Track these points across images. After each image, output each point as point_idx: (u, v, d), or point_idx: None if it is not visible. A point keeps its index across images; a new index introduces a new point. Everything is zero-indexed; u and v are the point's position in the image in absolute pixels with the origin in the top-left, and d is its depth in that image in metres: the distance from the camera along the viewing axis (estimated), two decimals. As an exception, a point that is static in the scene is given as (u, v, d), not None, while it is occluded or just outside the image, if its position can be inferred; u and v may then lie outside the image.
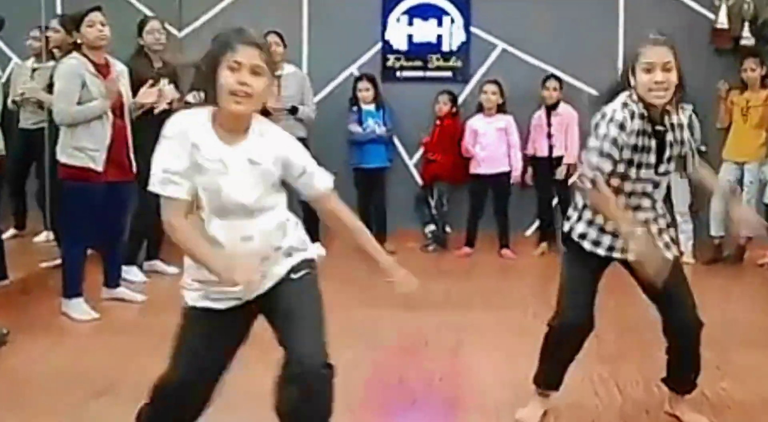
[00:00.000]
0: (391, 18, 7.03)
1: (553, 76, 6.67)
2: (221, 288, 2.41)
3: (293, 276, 2.50)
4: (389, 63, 7.07)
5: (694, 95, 6.36)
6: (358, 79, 6.83)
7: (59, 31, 5.61)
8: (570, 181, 6.34)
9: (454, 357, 4.13)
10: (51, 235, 6.12)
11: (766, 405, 3.45)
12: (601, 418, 3.30)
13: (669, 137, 3.00)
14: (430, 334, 4.50)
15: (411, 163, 7.11)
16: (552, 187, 6.75)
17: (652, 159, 2.96)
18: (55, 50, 5.67)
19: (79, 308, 4.69)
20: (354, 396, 3.45)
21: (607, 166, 2.90)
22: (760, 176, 6.24)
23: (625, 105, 2.95)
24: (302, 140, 6.38)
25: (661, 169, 2.99)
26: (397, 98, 6.91)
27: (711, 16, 6.68)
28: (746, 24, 6.53)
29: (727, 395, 3.51)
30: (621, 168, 2.95)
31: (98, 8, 4.66)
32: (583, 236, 3.07)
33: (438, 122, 6.83)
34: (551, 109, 6.67)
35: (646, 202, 3.02)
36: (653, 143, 2.96)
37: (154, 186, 2.38)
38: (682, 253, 3.05)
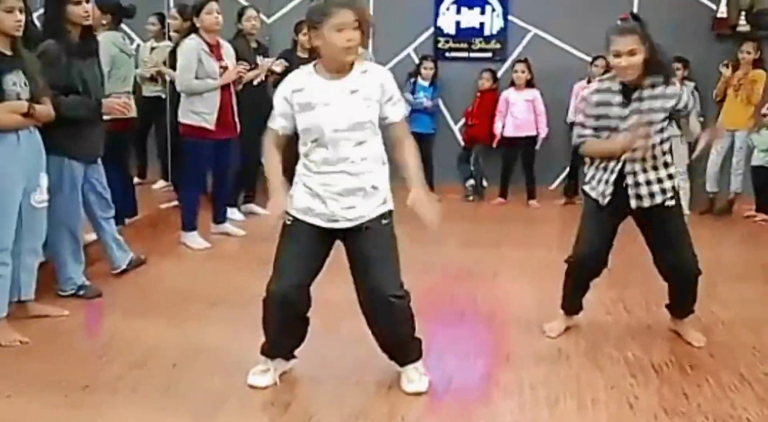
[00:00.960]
0: (442, 7, 6.98)
1: (601, 55, 6.28)
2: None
3: (383, 222, 2.64)
4: (440, 45, 7.01)
5: (697, 74, 6.38)
6: (424, 57, 6.79)
7: (177, 18, 5.73)
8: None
9: (492, 284, 4.25)
10: (165, 183, 6.38)
11: (746, 323, 3.55)
12: (611, 331, 3.42)
13: (636, 106, 2.99)
14: (472, 266, 4.62)
15: (456, 128, 7.13)
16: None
17: (616, 124, 3.01)
18: (173, 34, 5.76)
19: (194, 239, 4.88)
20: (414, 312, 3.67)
21: (587, 132, 3.08)
22: (747, 142, 6.20)
23: (599, 85, 3.09)
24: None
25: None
26: (447, 74, 6.87)
27: (712, 6, 6.52)
28: (743, 13, 6.36)
29: (715, 316, 3.61)
30: (603, 127, 3.04)
31: None
32: (592, 188, 3.15)
33: (479, 94, 6.80)
34: None
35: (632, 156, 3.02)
36: (626, 111, 2.99)
37: (270, 122, 2.68)
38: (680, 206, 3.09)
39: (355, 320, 2.76)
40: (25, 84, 3.16)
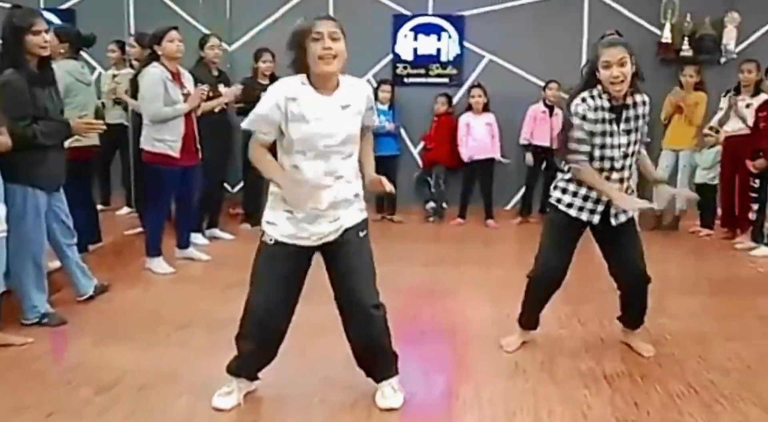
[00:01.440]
0: (400, 34, 7.13)
1: (553, 80, 6.64)
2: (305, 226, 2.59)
3: (360, 234, 2.69)
4: (398, 70, 7.15)
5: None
6: (381, 82, 6.88)
7: (134, 46, 5.71)
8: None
9: (452, 301, 4.32)
10: (129, 209, 6.33)
11: (692, 334, 3.67)
12: (566, 345, 3.52)
13: (629, 126, 3.07)
14: (434, 284, 4.71)
15: (415, 152, 7.25)
16: (538, 170, 6.84)
17: (617, 139, 3.05)
18: (134, 62, 5.78)
19: (159, 264, 4.87)
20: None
21: (585, 148, 3.05)
22: (691, 162, 6.39)
23: (584, 100, 3.03)
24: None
25: (624, 141, 3.07)
26: (405, 99, 7.00)
27: (657, 32, 6.77)
28: (686, 38, 6.63)
29: (664, 328, 3.73)
30: (597, 144, 3.05)
31: (176, 28, 4.77)
32: (570, 205, 3.17)
33: (436, 118, 6.93)
34: (550, 109, 6.70)
35: (619, 167, 3.11)
36: (615, 127, 3.04)
37: (245, 123, 2.63)
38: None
39: (319, 340, 2.82)
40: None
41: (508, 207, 7.13)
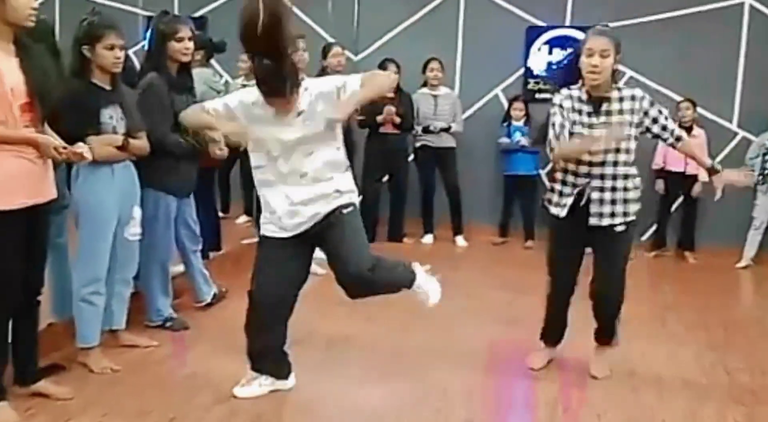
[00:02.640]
0: (534, 47, 7.08)
1: (688, 99, 6.43)
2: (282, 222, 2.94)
3: (344, 211, 2.96)
4: (530, 86, 7.10)
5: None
6: (513, 99, 6.89)
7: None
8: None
9: (578, 333, 4.26)
10: (248, 218, 6.58)
11: None
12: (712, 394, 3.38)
13: (606, 119, 3.11)
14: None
15: (543, 172, 7.12)
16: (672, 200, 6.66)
17: (596, 132, 3.08)
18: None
19: (276, 276, 5.07)
20: (496, 364, 3.71)
21: (560, 131, 3.14)
22: None
23: (560, 91, 3.19)
24: (451, 149, 6.68)
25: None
26: (536, 117, 6.83)
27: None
28: None
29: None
30: (576, 133, 3.11)
31: (302, 36, 4.94)
32: (549, 201, 3.29)
33: (568, 137, 6.86)
34: (687, 130, 6.39)
35: (599, 161, 3.13)
36: (593, 119, 3.11)
37: (207, 104, 3.06)
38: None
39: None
40: (121, 118, 3.37)
41: (645, 237, 6.85)
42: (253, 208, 6.45)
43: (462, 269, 5.81)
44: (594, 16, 6.88)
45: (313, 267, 5.22)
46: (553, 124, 3.17)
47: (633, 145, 3.19)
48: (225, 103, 3.02)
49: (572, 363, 3.72)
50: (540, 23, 7.08)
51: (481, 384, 3.38)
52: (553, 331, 3.58)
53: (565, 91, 3.22)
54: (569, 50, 7.01)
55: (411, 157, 6.92)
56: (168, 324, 3.96)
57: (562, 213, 3.25)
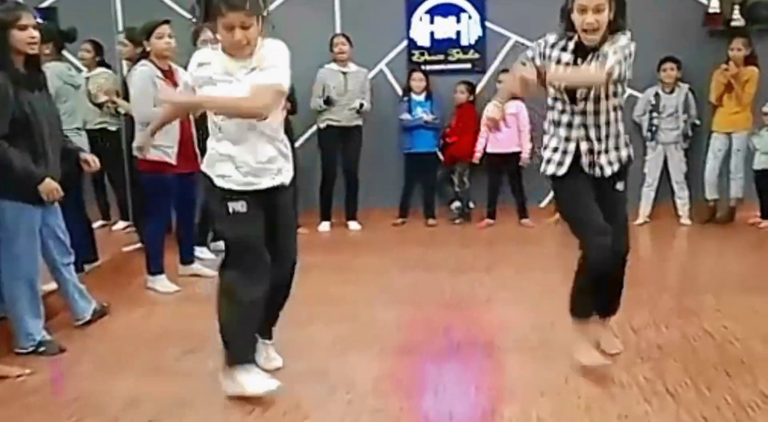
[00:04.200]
0: (415, 17, 7.10)
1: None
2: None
3: (290, 191, 3.19)
4: (414, 58, 7.12)
5: (690, 75, 6.53)
6: (412, 70, 6.90)
7: (127, 44, 5.70)
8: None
9: (487, 310, 4.31)
10: (126, 223, 6.35)
11: (762, 336, 3.60)
12: (620, 355, 3.42)
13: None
14: (464, 293, 4.67)
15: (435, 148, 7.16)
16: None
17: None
18: (125, 61, 5.81)
19: (162, 283, 4.87)
20: (404, 346, 3.71)
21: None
22: (749, 144, 6.34)
23: (555, 41, 3.11)
24: (358, 128, 6.59)
25: (579, 96, 3.07)
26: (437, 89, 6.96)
27: (704, 1, 6.66)
28: (736, 7, 6.51)
29: (728, 331, 3.67)
30: (558, 100, 3.12)
31: (167, 21, 4.79)
32: (549, 161, 3.20)
33: (457, 109, 6.91)
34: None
35: (583, 127, 3.11)
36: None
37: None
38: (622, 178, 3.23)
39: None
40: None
41: (543, 204, 7.02)
42: (129, 212, 6.28)
43: (363, 254, 5.80)
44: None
45: (197, 267, 5.20)
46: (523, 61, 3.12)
47: (620, 88, 3.12)
48: (185, 82, 3.29)
49: (481, 340, 3.79)
50: (419, -8, 7.10)
51: (390, 370, 3.37)
52: (592, 304, 3.31)
53: (549, 39, 3.11)
54: (451, 18, 7.09)
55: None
56: (41, 348, 3.73)
57: (561, 171, 3.17)
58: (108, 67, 6.32)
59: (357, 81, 6.75)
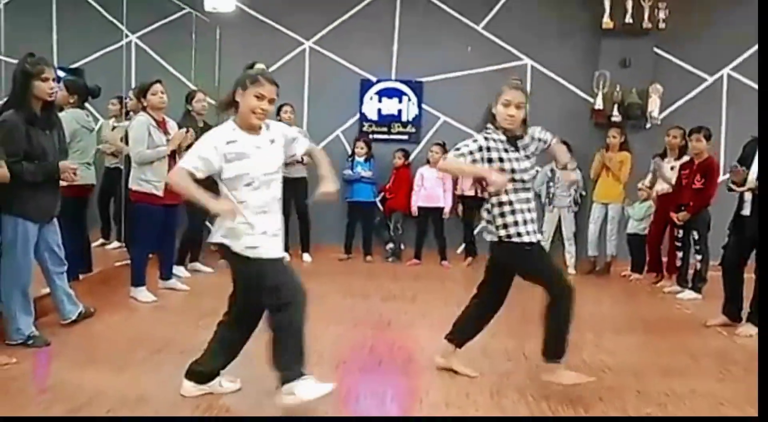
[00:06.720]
0: (366, 97, 7.10)
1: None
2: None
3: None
4: (364, 128, 7.09)
5: (579, 157, 6.58)
6: (357, 138, 6.84)
7: (133, 99, 5.50)
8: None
9: (407, 333, 4.16)
10: (119, 243, 6.06)
11: (630, 369, 3.51)
12: (512, 379, 3.32)
13: (521, 153, 3.03)
14: (390, 317, 4.51)
15: (377, 200, 7.05)
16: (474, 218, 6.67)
17: (522, 163, 3.00)
18: (131, 113, 5.63)
19: (143, 293, 4.64)
20: (338, 359, 3.53)
21: (466, 151, 2.99)
22: (625, 213, 6.31)
23: (488, 136, 3.02)
24: (303, 179, 6.42)
25: (527, 165, 3.03)
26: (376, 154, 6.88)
27: (591, 99, 6.78)
28: (615, 106, 6.61)
29: (603, 363, 3.56)
30: (507, 169, 2.97)
31: (159, 81, 4.68)
32: (518, 234, 2.99)
33: (395, 171, 6.87)
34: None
35: (522, 196, 3.03)
36: (517, 154, 3.01)
37: (183, 162, 2.63)
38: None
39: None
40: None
41: (459, 250, 6.97)
42: (122, 234, 6.00)
43: (312, 281, 5.55)
44: (414, 71, 7.05)
45: (174, 283, 4.95)
46: (465, 147, 2.98)
47: (532, 172, 3.10)
48: (200, 156, 2.60)
49: (400, 357, 3.63)
50: (371, 77, 7.11)
51: (324, 380, 3.14)
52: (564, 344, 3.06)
53: (486, 135, 3.03)
54: (395, 99, 7.09)
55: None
56: (30, 342, 3.45)
57: (536, 237, 3.01)
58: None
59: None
